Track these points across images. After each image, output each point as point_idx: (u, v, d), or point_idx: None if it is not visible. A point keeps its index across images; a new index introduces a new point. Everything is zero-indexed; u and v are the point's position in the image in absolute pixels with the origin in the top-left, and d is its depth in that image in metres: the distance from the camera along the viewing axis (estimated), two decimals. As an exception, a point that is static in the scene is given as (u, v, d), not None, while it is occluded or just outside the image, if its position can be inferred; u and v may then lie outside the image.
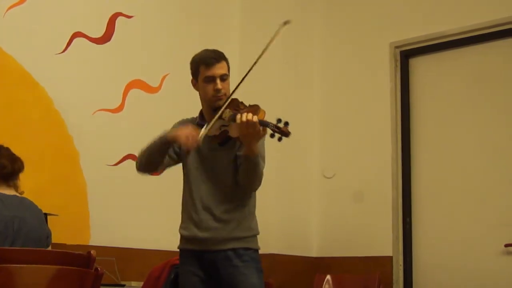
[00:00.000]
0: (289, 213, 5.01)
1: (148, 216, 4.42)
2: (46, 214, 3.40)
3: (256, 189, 3.07)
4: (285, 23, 3.06)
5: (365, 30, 5.21)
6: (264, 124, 2.81)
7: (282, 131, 2.78)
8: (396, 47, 5.03)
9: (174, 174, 4.57)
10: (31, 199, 3.15)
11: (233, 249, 2.98)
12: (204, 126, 2.94)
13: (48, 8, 4.11)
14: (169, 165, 3.20)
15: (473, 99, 4.67)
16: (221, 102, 3.02)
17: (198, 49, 4.88)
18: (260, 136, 2.84)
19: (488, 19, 4.58)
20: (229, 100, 2.99)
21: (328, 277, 4.76)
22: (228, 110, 2.95)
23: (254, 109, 2.89)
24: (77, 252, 2.79)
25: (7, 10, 3.94)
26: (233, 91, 3.02)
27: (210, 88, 3.03)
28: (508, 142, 4.47)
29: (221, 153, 3.01)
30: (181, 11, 4.90)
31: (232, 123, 2.91)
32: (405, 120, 4.92)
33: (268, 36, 5.11)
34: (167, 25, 4.77)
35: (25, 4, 4.00)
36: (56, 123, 4.08)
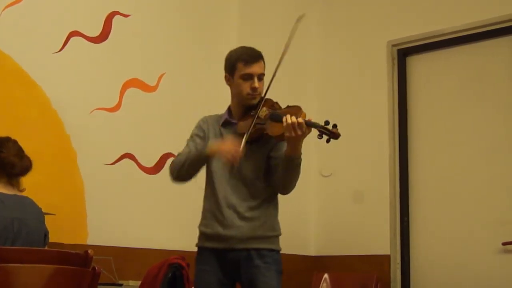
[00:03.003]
0: (287, 211, 4.98)
1: (146, 215, 4.42)
2: (43, 213, 3.39)
3: (290, 191, 3.07)
4: (300, 18, 3.07)
5: (363, 29, 5.21)
6: (312, 125, 2.82)
7: (332, 132, 2.81)
8: (394, 45, 5.03)
9: (171, 173, 4.58)
10: (30, 198, 3.15)
11: (256, 249, 2.96)
12: (244, 137, 2.89)
13: (45, 7, 4.10)
14: None
15: (470, 97, 4.67)
16: (254, 101, 3.03)
17: (195, 48, 4.94)
18: (305, 136, 2.83)
19: (485, 18, 4.59)
20: (264, 100, 2.99)
21: (326, 275, 4.77)
22: (264, 109, 2.95)
23: (296, 109, 2.89)
24: (74, 252, 2.78)
25: (3, 9, 3.93)
26: (266, 92, 3.02)
27: (246, 85, 3.02)
28: (505, 141, 4.47)
29: (249, 152, 2.98)
30: (178, 10, 4.89)
31: (269, 122, 2.92)
32: (402, 119, 4.93)
33: (265, 35, 5.12)
34: (164, 24, 4.77)
35: (22, 3, 3.99)
36: (53, 122, 4.07)
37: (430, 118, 4.84)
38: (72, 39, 4.21)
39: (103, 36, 4.38)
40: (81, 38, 4.25)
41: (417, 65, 4.99)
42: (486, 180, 4.51)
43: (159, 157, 4.55)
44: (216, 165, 3.05)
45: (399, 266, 4.75)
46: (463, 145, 4.65)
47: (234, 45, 5.16)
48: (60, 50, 4.16)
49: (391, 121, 4.93)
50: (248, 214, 2.99)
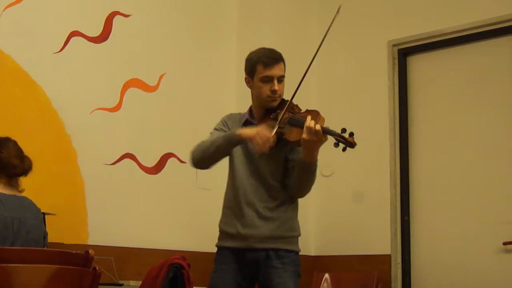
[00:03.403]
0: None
1: (146, 215, 4.42)
2: (44, 214, 3.39)
3: (304, 195, 3.06)
4: (338, 10, 3.08)
5: (363, 29, 5.21)
6: (329, 133, 2.81)
7: (347, 141, 2.79)
8: (394, 45, 5.03)
9: (171, 174, 4.59)
10: (29, 199, 3.15)
11: (275, 250, 2.98)
12: (274, 126, 2.89)
13: (45, 7, 4.10)
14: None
15: (471, 97, 4.67)
16: (275, 103, 3.03)
17: (195, 49, 4.94)
18: (321, 143, 2.83)
19: (486, 17, 4.59)
20: (288, 104, 2.97)
21: (327, 275, 4.77)
22: (283, 112, 2.94)
23: (314, 114, 2.89)
24: (75, 252, 2.78)
25: (4, 9, 3.92)
26: (293, 95, 3.00)
27: (266, 88, 3.01)
28: (506, 140, 4.47)
29: (270, 153, 2.97)
30: (178, 10, 4.89)
31: (289, 126, 2.91)
32: (403, 118, 4.93)
33: (265, 34, 5.12)
34: (164, 24, 4.77)
35: (22, 3, 3.99)
36: (54, 122, 4.07)
37: (431, 117, 4.84)
38: (72, 39, 4.20)
39: (104, 36, 4.37)
40: (81, 38, 4.25)
41: (418, 64, 4.98)
42: (487, 179, 4.51)
43: (159, 157, 4.55)
44: (239, 161, 3.06)
45: (399, 266, 4.75)
46: (464, 145, 4.64)
47: (234, 45, 5.22)
48: (61, 50, 4.15)
49: (392, 121, 4.93)
50: (267, 214, 3.00)
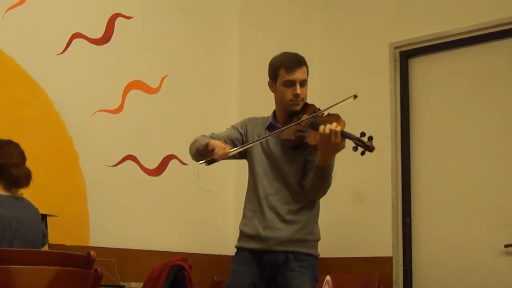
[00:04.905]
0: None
1: (148, 217, 4.42)
2: (45, 215, 3.40)
3: (319, 198, 3.10)
4: (355, 96, 3.06)
5: (364, 31, 5.21)
6: (347, 136, 2.83)
7: (366, 145, 2.81)
8: (396, 47, 5.02)
9: (173, 175, 4.59)
10: (31, 200, 3.16)
11: (294, 253, 3.00)
12: (239, 146, 2.95)
13: (47, 8, 4.11)
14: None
15: (473, 99, 4.67)
16: (297, 107, 3.05)
17: (197, 50, 4.94)
18: (340, 148, 2.85)
19: (488, 20, 4.58)
20: (308, 108, 3.01)
21: (328, 277, 4.76)
22: (305, 115, 2.97)
23: (335, 118, 2.92)
24: (76, 253, 2.79)
25: (6, 11, 3.93)
26: (325, 109, 3.02)
27: (289, 92, 3.04)
28: (508, 143, 4.47)
29: (291, 155, 3.02)
30: (180, 12, 4.90)
31: (309, 130, 2.94)
32: (404, 121, 4.92)
33: (267, 37, 5.11)
34: (166, 26, 4.78)
35: (24, 4, 4.00)
36: (56, 124, 4.08)
37: (433, 119, 4.84)
38: (74, 41, 4.21)
39: (106, 38, 4.38)
40: (83, 40, 4.26)
41: (420, 67, 4.98)
42: (488, 182, 4.50)
43: (161, 159, 4.56)
44: (260, 164, 3.08)
45: (401, 268, 4.74)
46: (466, 147, 4.64)
47: (236, 47, 5.23)
48: (63, 52, 4.16)
49: (394, 123, 4.92)
50: (288, 217, 3.02)
